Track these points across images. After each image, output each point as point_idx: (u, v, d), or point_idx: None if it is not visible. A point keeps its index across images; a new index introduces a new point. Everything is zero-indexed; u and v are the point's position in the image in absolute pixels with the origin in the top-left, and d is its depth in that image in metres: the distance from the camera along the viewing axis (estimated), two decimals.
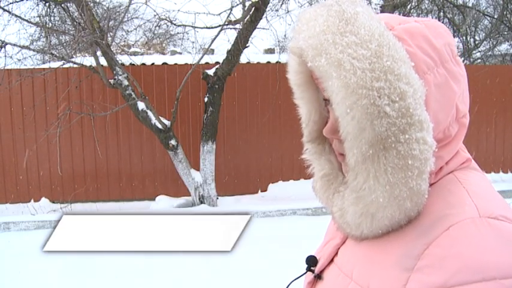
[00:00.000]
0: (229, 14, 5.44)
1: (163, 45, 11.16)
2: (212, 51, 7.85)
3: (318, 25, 0.62)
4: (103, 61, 5.51)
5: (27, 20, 5.65)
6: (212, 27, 5.60)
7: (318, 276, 0.79)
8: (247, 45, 5.45)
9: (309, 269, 0.81)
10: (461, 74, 0.66)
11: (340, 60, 0.58)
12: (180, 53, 9.49)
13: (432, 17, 9.53)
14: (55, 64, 6.04)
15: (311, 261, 0.81)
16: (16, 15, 5.57)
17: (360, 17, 0.61)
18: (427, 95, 0.61)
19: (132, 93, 5.40)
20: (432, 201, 0.62)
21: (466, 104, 0.68)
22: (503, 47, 11.41)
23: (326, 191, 0.74)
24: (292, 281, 0.86)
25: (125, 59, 6.32)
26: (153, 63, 6.68)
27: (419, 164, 0.59)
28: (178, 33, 7.83)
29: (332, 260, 0.77)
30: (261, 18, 5.36)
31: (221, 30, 5.48)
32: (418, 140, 0.58)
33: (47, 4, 6.06)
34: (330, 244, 0.78)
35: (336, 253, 0.76)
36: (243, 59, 5.83)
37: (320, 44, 0.60)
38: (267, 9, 5.51)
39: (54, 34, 6.21)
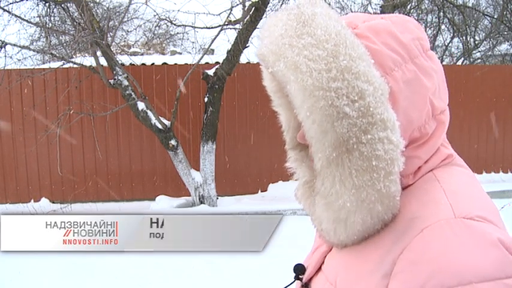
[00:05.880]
0: (229, 14, 5.44)
1: (163, 45, 11.16)
2: (212, 51, 7.84)
3: (277, 30, 0.61)
4: (103, 61, 5.51)
5: (27, 20, 5.65)
6: (212, 27, 5.60)
7: (306, 285, 0.77)
8: (247, 45, 5.45)
9: (297, 278, 0.79)
10: (434, 69, 0.63)
11: (297, 63, 0.57)
12: (180, 53, 9.49)
13: (432, 17, 9.56)
14: (55, 64, 6.04)
15: (299, 269, 0.79)
16: (16, 15, 5.56)
17: (318, 18, 0.59)
18: (395, 93, 0.59)
19: (132, 93, 5.40)
20: (408, 202, 0.60)
21: (443, 99, 0.66)
22: (503, 47, 11.41)
23: (308, 198, 0.72)
24: None
25: (124, 59, 6.32)
26: (153, 63, 6.67)
27: (385, 165, 0.57)
28: (178, 33, 7.85)
29: (320, 268, 0.75)
30: (261, 18, 5.35)
31: (221, 30, 5.48)
32: (381, 139, 0.56)
33: (47, 4, 6.05)
34: (318, 252, 0.77)
35: (324, 261, 0.74)
36: (243, 59, 5.82)
37: (278, 49, 0.59)
38: (267, 9, 5.50)
39: (54, 34, 6.22)
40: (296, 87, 0.57)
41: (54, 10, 6.27)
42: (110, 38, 5.61)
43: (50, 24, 6.13)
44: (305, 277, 0.77)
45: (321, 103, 0.55)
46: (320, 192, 0.62)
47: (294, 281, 0.80)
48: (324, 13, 0.61)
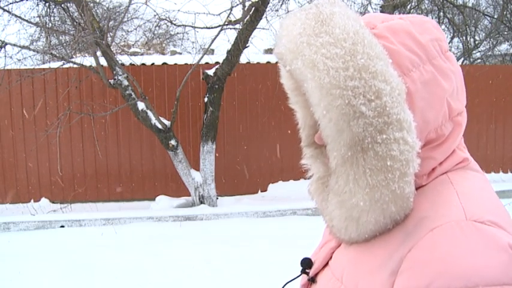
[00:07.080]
0: (229, 14, 5.44)
1: (163, 45, 11.17)
2: (212, 51, 7.85)
3: (295, 29, 0.61)
4: (103, 61, 5.51)
5: (27, 20, 5.65)
6: (212, 27, 5.59)
7: (312, 280, 0.77)
8: (247, 45, 5.45)
9: (303, 272, 0.79)
10: (452, 70, 0.63)
11: (314, 61, 0.57)
12: (180, 53, 9.49)
13: (432, 17, 9.55)
14: (55, 64, 6.04)
15: (306, 263, 0.79)
16: (16, 15, 5.57)
17: (336, 17, 0.59)
18: (412, 93, 0.59)
19: (132, 93, 5.40)
20: (420, 202, 0.60)
21: (461, 101, 0.65)
22: (503, 47, 11.42)
23: (320, 194, 0.73)
24: (287, 283, 0.85)
25: (124, 59, 6.32)
26: (153, 63, 6.68)
27: (400, 166, 0.57)
28: (178, 33, 7.85)
29: (327, 264, 0.75)
30: (261, 18, 5.36)
31: (221, 30, 5.48)
32: (397, 140, 0.56)
33: (47, 4, 6.06)
34: (326, 247, 0.77)
35: (331, 256, 0.75)
36: (243, 59, 5.83)
37: (296, 47, 0.59)
38: (267, 9, 5.50)
39: (54, 34, 6.22)
40: (313, 85, 0.57)
41: (54, 10, 6.28)
42: (110, 38, 5.61)
43: (50, 24, 6.13)
44: (312, 271, 0.78)
45: (338, 102, 0.55)
46: (334, 189, 0.63)
47: (300, 275, 0.81)
48: (342, 12, 0.61)
